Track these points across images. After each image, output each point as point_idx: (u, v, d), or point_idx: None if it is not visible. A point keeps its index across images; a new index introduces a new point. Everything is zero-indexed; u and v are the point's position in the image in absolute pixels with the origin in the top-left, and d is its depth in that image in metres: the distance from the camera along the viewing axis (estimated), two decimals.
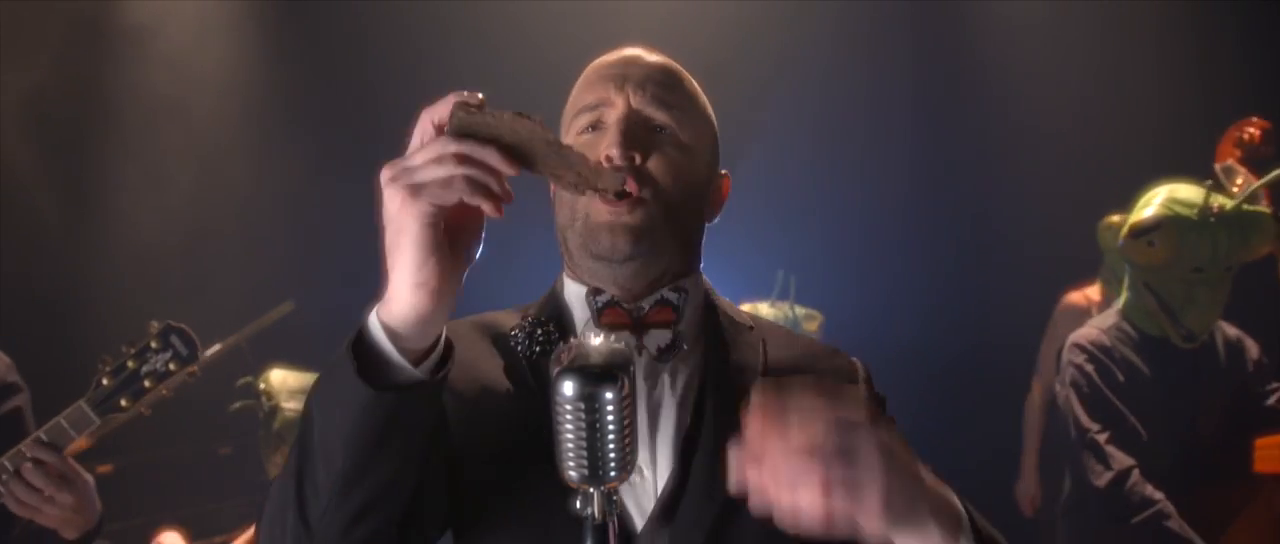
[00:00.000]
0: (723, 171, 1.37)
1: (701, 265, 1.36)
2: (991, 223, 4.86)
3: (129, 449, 4.18)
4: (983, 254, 4.84)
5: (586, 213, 1.24)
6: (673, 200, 1.24)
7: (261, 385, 3.40)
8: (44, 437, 1.83)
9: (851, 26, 4.87)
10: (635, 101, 1.26)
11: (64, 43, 4.50)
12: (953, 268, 4.90)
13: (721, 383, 1.25)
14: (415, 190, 0.97)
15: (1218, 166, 3.04)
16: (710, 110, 1.35)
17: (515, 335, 1.26)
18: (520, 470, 1.17)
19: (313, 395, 1.07)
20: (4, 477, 1.80)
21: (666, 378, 1.25)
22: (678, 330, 1.26)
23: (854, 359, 1.38)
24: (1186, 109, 4.23)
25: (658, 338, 1.26)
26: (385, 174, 0.99)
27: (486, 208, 0.99)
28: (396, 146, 1.03)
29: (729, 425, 1.18)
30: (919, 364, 4.76)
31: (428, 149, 0.98)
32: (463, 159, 0.97)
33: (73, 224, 4.55)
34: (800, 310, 3.99)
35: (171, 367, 1.87)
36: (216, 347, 3.92)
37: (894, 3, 4.97)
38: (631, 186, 1.20)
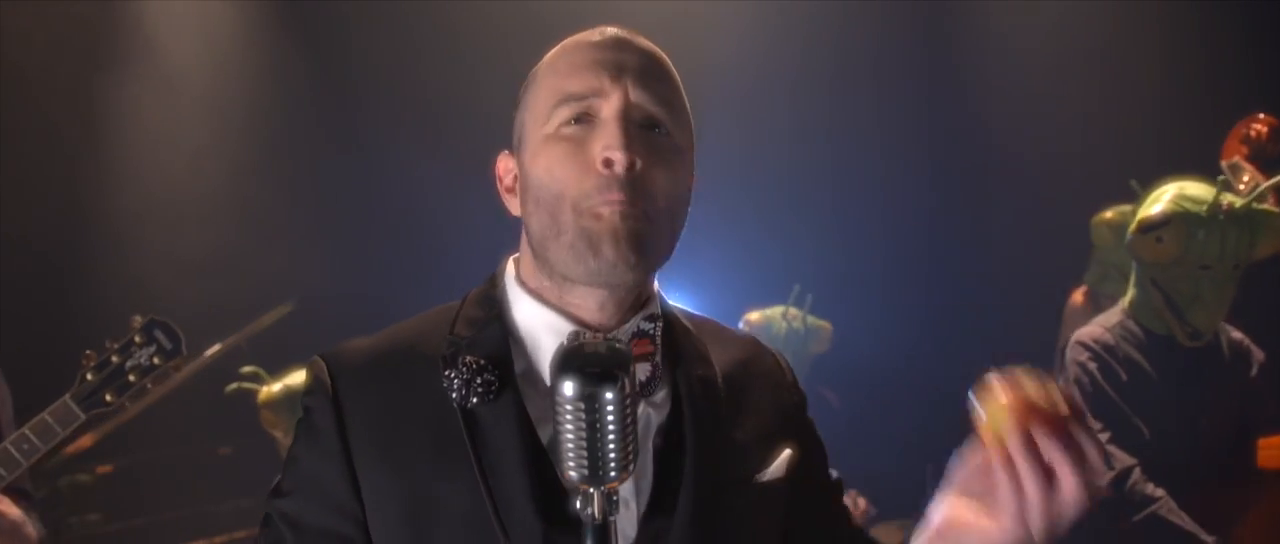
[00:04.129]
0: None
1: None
2: (1000, 231, 4.84)
3: (129, 449, 4.18)
4: (991, 262, 4.81)
5: (580, 210, 1.10)
6: (668, 218, 1.14)
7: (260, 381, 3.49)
8: (31, 434, 1.81)
9: (859, 34, 4.86)
10: (634, 95, 1.12)
11: (63, 41, 4.50)
12: (961, 276, 4.89)
13: (694, 402, 1.19)
14: None
15: (1224, 163, 3.01)
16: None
17: (449, 379, 1.14)
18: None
19: None
20: None
21: (643, 408, 1.17)
22: (656, 362, 1.18)
23: (774, 351, 1.34)
24: (1195, 109, 4.21)
25: (639, 372, 1.16)
26: None
27: None
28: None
29: (705, 446, 1.17)
30: (926, 373, 4.73)
31: None
32: None
33: (72, 224, 4.55)
34: (812, 321, 3.98)
35: (156, 361, 1.85)
36: (216, 347, 3.92)
37: (904, 3, 4.96)
38: (631, 201, 1.09)
